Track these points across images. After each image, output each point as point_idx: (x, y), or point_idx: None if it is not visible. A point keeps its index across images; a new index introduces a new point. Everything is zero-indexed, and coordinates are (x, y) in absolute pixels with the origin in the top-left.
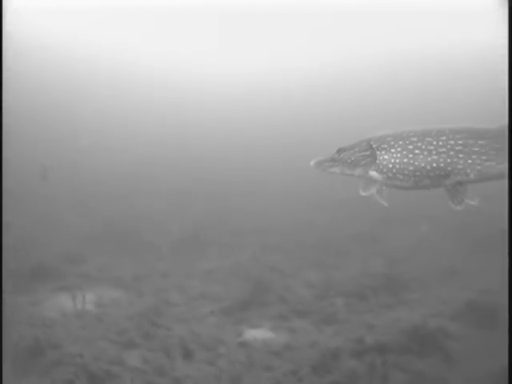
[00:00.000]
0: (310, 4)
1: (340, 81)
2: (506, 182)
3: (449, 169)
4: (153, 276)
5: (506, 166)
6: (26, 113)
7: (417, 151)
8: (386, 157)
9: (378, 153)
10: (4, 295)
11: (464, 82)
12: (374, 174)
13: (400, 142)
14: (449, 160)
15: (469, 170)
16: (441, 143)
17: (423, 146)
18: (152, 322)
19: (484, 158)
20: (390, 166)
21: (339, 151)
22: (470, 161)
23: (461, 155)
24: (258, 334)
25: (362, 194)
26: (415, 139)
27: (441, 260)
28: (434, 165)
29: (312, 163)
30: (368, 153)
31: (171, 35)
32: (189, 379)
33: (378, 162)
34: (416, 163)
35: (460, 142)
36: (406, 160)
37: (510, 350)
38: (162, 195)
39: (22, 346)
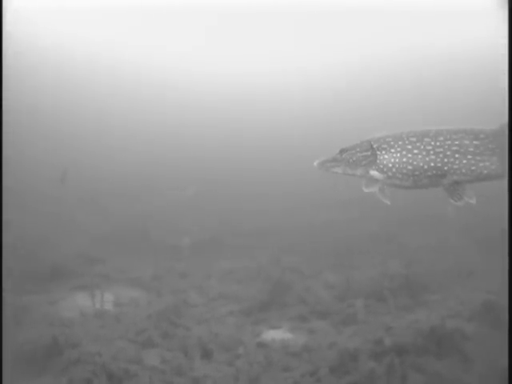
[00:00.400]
0: (310, 3)
1: (342, 81)
2: (505, 182)
3: (445, 168)
4: (172, 276)
5: (500, 166)
6: (35, 114)
7: (415, 151)
8: (386, 156)
9: (378, 153)
10: (23, 295)
11: (464, 81)
12: (374, 173)
13: (399, 143)
14: (446, 160)
15: (464, 170)
16: (438, 144)
17: (422, 147)
18: (171, 322)
19: (479, 158)
20: (390, 165)
21: (341, 152)
22: (465, 161)
23: (457, 155)
24: (276, 334)
25: (365, 190)
26: (414, 139)
27: (459, 261)
28: (432, 164)
29: (315, 163)
30: (369, 153)
31: (172, 35)
32: (207, 379)
33: (378, 161)
34: (415, 163)
35: (456, 143)
36: (405, 160)
37: (510, 349)
38: (182, 197)
39: (40, 344)
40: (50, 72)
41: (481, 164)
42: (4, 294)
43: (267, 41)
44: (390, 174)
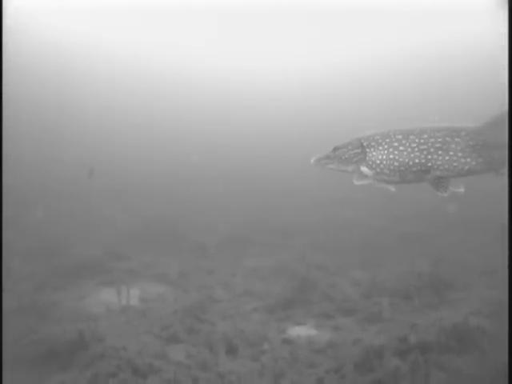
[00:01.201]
0: (313, 3)
1: (343, 80)
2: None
3: (429, 164)
4: (198, 273)
5: (480, 162)
6: (45, 113)
7: (401, 148)
8: (374, 153)
9: (367, 150)
10: (50, 291)
11: (463, 80)
12: (364, 169)
13: (387, 140)
14: (429, 156)
15: (447, 166)
16: (422, 141)
17: (407, 144)
18: (196, 318)
19: (460, 154)
20: (378, 161)
21: (334, 149)
22: (447, 157)
23: (440, 152)
24: (301, 331)
25: (356, 183)
26: (400, 137)
27: (482, 259)
28: (417, 161)
29: (311, 161)
30: (359, 150)
31: (173, 33)
32: (232, 374)
33: (367, 158)
34: (401, 159)
35: (439, 140)
36: (391, 156)
37: (510, 349)
38: (209, 194)
39: (65, 339)
40: (54, 70)
41: (462, 160)
42: (28, 291)
43: (272, 40)
44: (378, 169)
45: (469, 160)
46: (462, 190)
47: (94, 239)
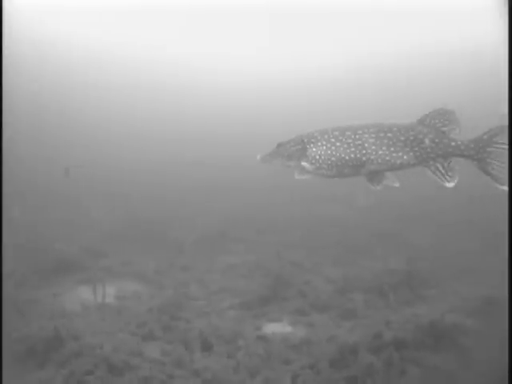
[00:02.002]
0: (312, 4)
1: (345, 80)
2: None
3: (364, 159)
4: (174, 270)
5: (411, 156)
6: (35, 111)
7: (338, 144)
8: (314, 149)
9: (307, 146)
10: (28, 288)
11: (463, 80)
12: (305, 164)
13: (325, 137)
14: (364, 151)
15: (380, 160)
16: (357, 137)
17: (343, 140)
18: (172, 315)
19: (392, 149)
20: (317, 157)
21: (278, 146)
22: (380, 152)
23: (373, 147)
24: (276, 327)
25: (296, 177)
26: (337, 134)
27: (458, 257)
28: (352, 155)
29: (258, 157)
30: (300, 146)
31: (178, 33)
32: (207, 371)
33: (307, 154)
34: (337, 154)
35: (373, 136)
36: (329, 152)
37: (510, 349)
38: (185, 192)
39: (41, 337)
40: (54, 70)
41: (394, 154)
42: (8, 289)
43: (272, 40)
44: (317, 164)
45: (400, 154)
46: (396, 184)
47: (72, 237)
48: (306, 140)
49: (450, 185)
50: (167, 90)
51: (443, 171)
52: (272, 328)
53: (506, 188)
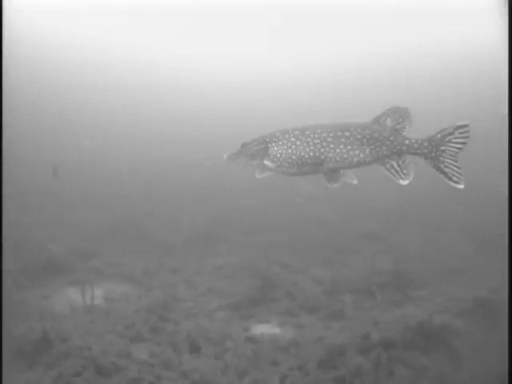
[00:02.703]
0: (310, 4)
1: (344, 80)
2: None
3: (322, 157)
4: (162, 271)
5: (367, 153)
6: (34, 112)
7: (298, 143)
8: (275, 148)
9: (269, 145)
10: (14, 289)
11: (463, 80)
12: (267, 162)
13: (286, 136)
14: (322, 150)
15: (338, 158)
16: (316, 136)
17: (303, 139)
18: (160, 317)
19: (349, 147)
20: (278, 155)
21: (242, 146)
22: (338, 150)
23: (331, 145)
24: (265, 329)
25: (258, 176)
26: (297, 133)
27: (447, 258)
28: (311, 154)
29: (224, 156)
30: (262, 146)
31: (178, 34)
32: (195, 373)
33: (269, 152)
34: (297, 153)
35: (331, 135)
36: (290, 151)
37: (510, 349)
38: (173, 193)
39: (30, 338)
40: (53, 71)
41: (351, 152)
42: None
43: (272, 40)
44: (278, 163)
45: (357, 152)
46: (355, 182)
47: (60, 238)
48: (268, 139)
49: (405, 182)
50: (167, 91)
51: (398, 169)
52: (260, 329)
53: (458, 186)
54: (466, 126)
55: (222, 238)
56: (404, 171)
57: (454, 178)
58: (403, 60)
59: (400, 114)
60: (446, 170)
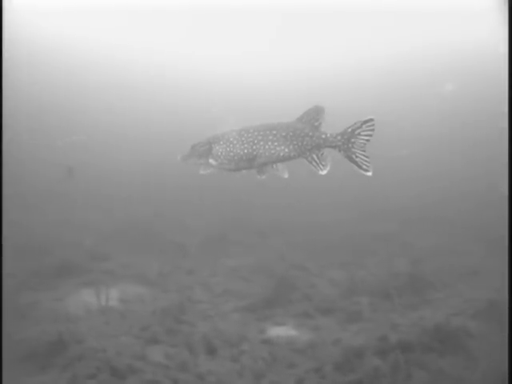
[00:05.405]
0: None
1: (344, 81)
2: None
3: (254, 153)
4: (177, 273)
5: (291, 148)
6: (42, 113)
7: (235, 142)
8: (217, 148)
9: (212, 146)
10: (30, 291)
11: (463, 80)
12: (211, 161)
13: (225, 137)
14: (254, 147)
15: (267, 154)
16: (249, 135)
17: (238, 138)
18: (175, 319)
19: (276, 143)
20: (219, 154)
21: (192, 147)
22: (266, 146)
23: (261, 143)
24: (281, 331)
25: (202, 173)
26: (234, 134)
27: (463, 260)
28: (245, 151)
29: (178, 157)
30: (207, 146)
31: (177, 35)
32: (211, 375)
33: (213, 152)
34: (234, 150)
35: (261, 133)
36: (228, 149)
37: (510, 349)
38: (187, 194)
39: (43, 340)
40: (53, 71)
41: (277, 148)
42: (10, 291)
43: (272, 40)
44: (219, 160)
45: (282, 147)
46: (286, 175)
47: (73, 240)
48: (211, 141)
49: (323, 172)
50: (167, 91)
51: (318, 161)
52: (277, 331)
53: (367, 173)
54: (371, 120)
55: (237, 239)
56: (323, 162)
57: (364, 167)
58: (404, 61)
59: (318, 112)
60: (356, 159)
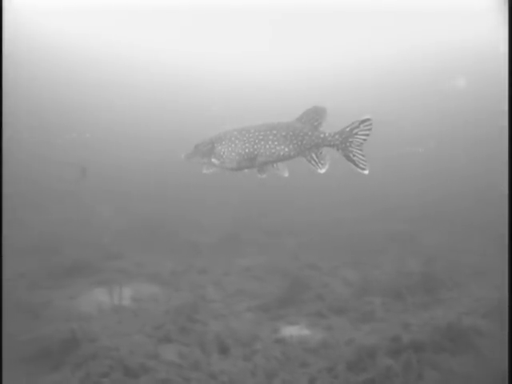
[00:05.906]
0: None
1: (344, 81)
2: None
3: (255, 153)
4: (190, 272)
5: (291, 148)
6: (43, 110)
7: (236, 141)
8: (219, 148)
9: (215, 145)
10: (43, 290)
11: (462, 80)
12: (214, 160)
13: (227, 136)
14: (255, 146)
15: (268, 153)
16: (251, 135)
17: (240, 138)
18: (188, 318)
19: (276, 143)
20: (222, 153)
21: (195, 147)
22: (267, 146)
23: (262, 142)
24: (294, 330)
25: (204, 172)
26: (236, 133)
27: (474, 258)
28: (247, 150)
29: (182, 156)
30: (210, 146)
31: (181, 34)
32: (224, 374)
33: (215, 151)
34: (236, 150)
35: (262, 133)
36: (230, 149)
37: (510, 350)
38: (200, 194)
39: (57, 339)
40: (53, 71)
41: (278, 147)
42: (21, 290)
43: (271, 40)
44: (221, 159)
45: (282, 147)
46: (286, 174)
47: (86, 238)
48: (214, 140)
49: (322, 171)
50: (167, 89)
51: (316, 160)
52: (289, 331)
53: (365, 172)
54: (369, 119)
55: (250, 238)
56: (321, 161)
57: (361, 165)
58: (404, 61)
59: (318, 112)
60: (354, 158)
